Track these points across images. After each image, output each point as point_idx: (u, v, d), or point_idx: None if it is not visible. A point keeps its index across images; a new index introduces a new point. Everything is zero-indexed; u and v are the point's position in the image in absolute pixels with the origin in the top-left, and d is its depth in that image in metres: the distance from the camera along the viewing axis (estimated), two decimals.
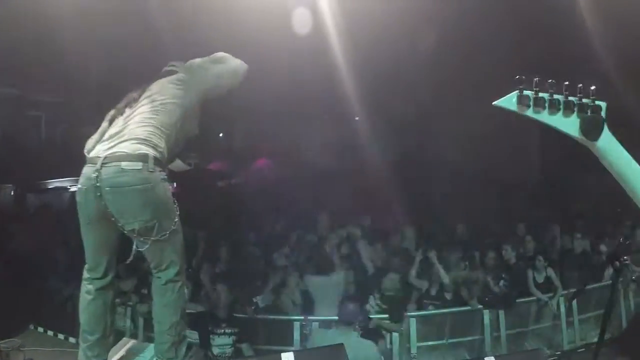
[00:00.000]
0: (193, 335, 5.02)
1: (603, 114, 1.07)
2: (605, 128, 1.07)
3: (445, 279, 5.99)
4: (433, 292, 6.07)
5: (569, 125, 1.05)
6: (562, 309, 6.20)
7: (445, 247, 6.62)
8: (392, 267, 6.14)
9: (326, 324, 5.23)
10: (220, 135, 15.12)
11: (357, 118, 12.68)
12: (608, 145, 1.08)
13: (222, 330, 5.26)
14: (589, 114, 1.06)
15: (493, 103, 1.08)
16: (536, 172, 11.35)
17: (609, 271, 6.23)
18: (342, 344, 3.84)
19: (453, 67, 8.14)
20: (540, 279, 6.23)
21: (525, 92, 1.04)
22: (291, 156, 13.92)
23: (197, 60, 2.98)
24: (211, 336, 5.23)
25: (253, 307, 5.59)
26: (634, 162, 1.15)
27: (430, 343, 5.81)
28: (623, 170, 1.12)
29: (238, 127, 14.89)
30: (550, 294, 6.16)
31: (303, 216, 8.45)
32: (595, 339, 6.05)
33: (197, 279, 5.96)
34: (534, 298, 6.18)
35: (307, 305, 5.84)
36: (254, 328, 5.60)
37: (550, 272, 6.17)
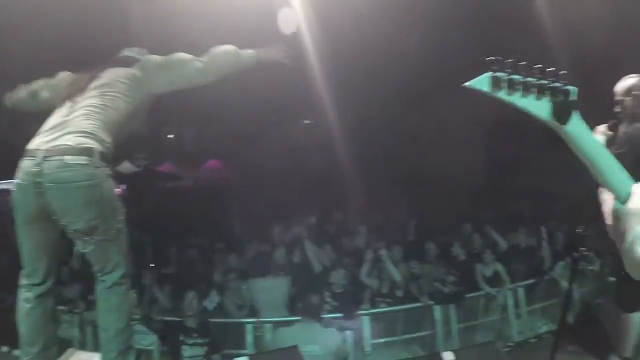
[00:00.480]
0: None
1: (574, 97, 1.03)
2: (576, 112, 1.03)
3: (396, 276, 6.05)
4: (384, 289, 6.10)
5: (541, 108, 1.01)
6: (511, 301, 6.35)
7: (395, 245, 6.64)
8: (343, 266, 6.12)
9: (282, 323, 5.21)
10: (170, 136, 14.86)
11: (307, 121, 12.67)
12: (578, 129, 1.04)
13: (194, 341, 5.00)
14: (560, 98, 1.02)
15: (464, 84, 1.02)
16: (483, 172, 11.69)
17: (557, 265, 6.64)
18: (296, 345, 3.89)
19: (401, 70, 8.26)
20: (489, 273, 6.37)
21: (498, 74, 0.98)
22: (241, 158, 13.87)
23: (155, 59, 2.77)
24: (182, 347, 4.93)
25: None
26: (601, 146, 1.12)
27: (383, 340, 5.84)
28: (591, 154, 1.09)
29: (188, 128, 14.69)
30: (499, 288, 6.29)
31: (252, 218, 8.36)
32: (544, 329, 6.33)
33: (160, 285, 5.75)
34: (483, 292, 6.29)
35: (254, 307, 5.76)
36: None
37: (499, 266, 6.33)
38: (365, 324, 5.71)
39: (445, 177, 9.80)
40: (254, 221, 8.05)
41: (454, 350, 3.91)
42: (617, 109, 3.57)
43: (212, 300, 5.56)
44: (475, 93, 1.04)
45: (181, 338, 4.99)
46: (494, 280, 6.37)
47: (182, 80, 2.74)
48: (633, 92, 3.46)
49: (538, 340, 5.67)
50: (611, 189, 1.13)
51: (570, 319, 6.06)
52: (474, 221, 7.59)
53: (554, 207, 8.57)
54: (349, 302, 5.79)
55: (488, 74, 0.99)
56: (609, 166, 1.11)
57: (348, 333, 5.44)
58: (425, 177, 10.17)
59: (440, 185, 9.64)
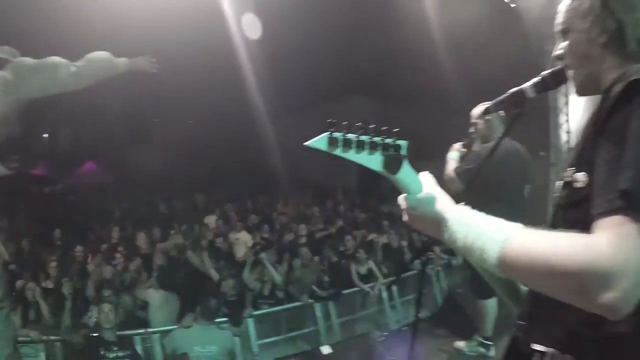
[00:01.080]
0: None
1: (404, 151, 1.20)
2: (405, 163, 1.20)
3: (277, 278, 6.25)
4: (266, 292, 6.27)
5: (373, 161, 1.16)
6: (385, 295, 6.81)
7: (275, 248, 6.89)
8: (227, 272, 6.19)
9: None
10: (45, 136, 13.69)
11: (191, 121, 12.34)
12: (406, 176, 1.20)
13: (115, 354, 4.75)
14: (391, 151, 1.18)
15: (304, 144, 1.16)
16: (353, 176, 12.21)
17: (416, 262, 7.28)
18: (186, 353, 3.96)
19: (281, 72, 8.42)
20: (363, 271, 6.80)
21: (335, 134, 1.13)
22: (121, 159, 13.22)
23: (28, 62, 2.62)
24: None
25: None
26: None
27: (269, 340, 5.96)
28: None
29: (64, 127, 13.63)
30: (372, 284, 6.71)
31: (134, 224, 8.10)
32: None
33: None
34: (358, 288, 6.69)
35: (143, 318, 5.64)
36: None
37: (371, 264, 6.78)
38: (250, 326, 5.81)
39: (318, 182, 10.12)
40: (136, 228, 7.76)
41: (331, 344, 4.19)
42: (471, 130, 4.06)
43: (91, 316, 5.21)
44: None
45: (102, 352, 4.74)
46: (368, 277, 6.77)
47: (55, 84, 2.65)
48: (486, 117, 3.95)
49: (410, 327, 6.07)
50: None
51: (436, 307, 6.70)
52: (347, 223, 8.07)
53: None
54: (235, 306, 5.85)
55: (326, 135, 1.14)
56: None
57: (236, 336, 5.56)
58: (297, 181, 10.40)
59: (313, 189, 9.96)
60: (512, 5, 6.92)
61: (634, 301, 0.88)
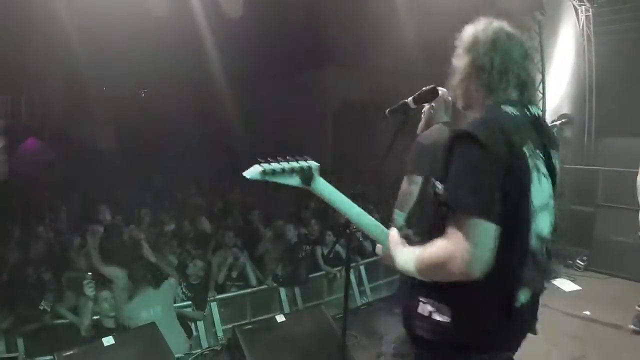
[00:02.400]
0: None
1: (315, 171, 2.00)
2: (317, 178, 1.91)
3: (241, 262, 6.79)
4: (234, 275, 6.81)
5: (293, 181, 1.92)
6: (353, 278, 7.36)
7: (234, 230, 7.38)
8: (194, 255, 6.59)
9: None
10: None
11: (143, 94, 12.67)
12: (321, 187, 1.90)
13: None
14: (305, 172, 1.98)
15: (242, 173, 1.96)
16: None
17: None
18: (153, 322, 4.64)
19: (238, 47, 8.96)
20: (330, 254, 7.33)
21: (264, 165, 1.92)
22: (67, 134, 13.36)
23: None
24: None
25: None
26: (341, 195, 1.97)
27: (234, 324, 6.11)
28: (335, 202, 1.98)
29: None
30: (340, 268, 7.30)
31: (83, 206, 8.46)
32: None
33: None
34: (324, 272, 7.28)
35: None
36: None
37: (338, 247, 7.24)
38: (215, 310, 6.31)
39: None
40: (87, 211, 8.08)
41: (285, 314, 5.02)
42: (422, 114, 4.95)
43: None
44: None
45: None
46: (335, 260, 7.36)
47: None
48: (432, 104, 4.83)
49: (368, 305, 6.75)
50: (371, 235, 2.08)
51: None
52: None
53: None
54: (199, 289, 6.29)
55: (257, 168, 1.92)
56: (358, 214, 2.02)
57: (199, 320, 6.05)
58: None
59: None
60: None
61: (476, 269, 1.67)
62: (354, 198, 2.05)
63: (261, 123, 11.27)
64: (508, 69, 1.96)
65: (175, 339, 5.06)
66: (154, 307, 5.34)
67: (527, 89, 2.01)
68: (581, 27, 10.36)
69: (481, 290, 1.77)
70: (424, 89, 3.02)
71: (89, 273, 5.39)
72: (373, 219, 2.10)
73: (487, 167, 1.73)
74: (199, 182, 10.53)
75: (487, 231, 1.69)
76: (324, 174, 1.96)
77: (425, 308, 1.95)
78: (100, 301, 5.17)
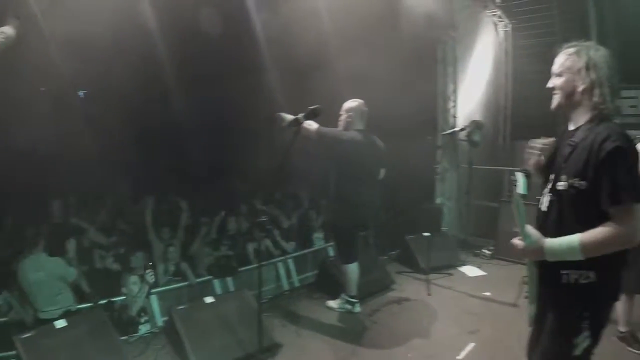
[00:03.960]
0: None
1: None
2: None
3: (175, 256, 7.21)
4: (171, 268, 7.22)
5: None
6: (282, 271, 8.05)
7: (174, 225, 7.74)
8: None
9: None
10: None
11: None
12: None
13: None
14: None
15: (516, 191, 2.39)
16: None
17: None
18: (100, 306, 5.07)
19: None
20: (261, 248, 7.61)
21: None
22: None
23: None
24: None
25: None
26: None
27: (183, 306, 6.73)
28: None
29: None
30: (268, 261, 7.87)
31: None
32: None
33: None
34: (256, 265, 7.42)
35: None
36: None
37: (268, 242, 7.93)
38: (154, 303, 6.60)
39: (220, 161, 11.09)
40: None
41: (214, 296, 5.64)
42: (340, 120, 5.69)
43: None
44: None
45: None
46: (266, 254, 7.94)
47: None
48: (349, 113, 5.74)
49: (290, 292, 7.16)
50: (521, 232, 2.62)
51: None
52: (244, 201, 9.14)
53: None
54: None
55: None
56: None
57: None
58: (195, 160, 11.18)
59: (214, 169, 10.99)
60: None
61: None
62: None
63: (191, 123, 11.50)
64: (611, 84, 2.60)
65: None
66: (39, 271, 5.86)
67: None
68: (500, 41, 11.39)
69: (622, 253, 2.40)
70: (310, 107, 3.79)
71: None
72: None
73: (636, 165, 2.38)
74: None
75: None
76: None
77: (570, 277, 2.52)
78: None
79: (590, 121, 2.55)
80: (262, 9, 7.72)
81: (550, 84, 2.67)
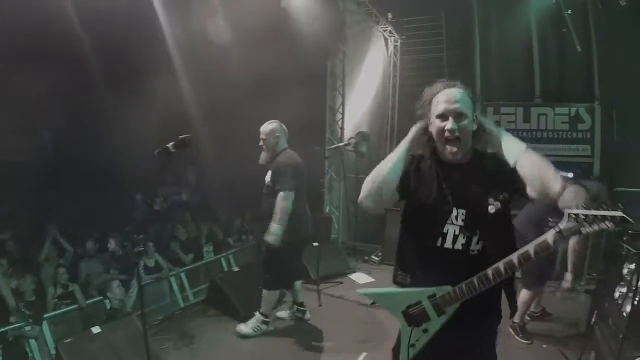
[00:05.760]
0: None
1: None
2: None
3: (64, 277, 7.03)
4: (59, 292, 7.01)
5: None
6: (175, 285, 8.05)
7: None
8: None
9: None
10: None
11: None
12: None
13: None
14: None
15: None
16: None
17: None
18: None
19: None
20: (151, 263, 7.89)
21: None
22: None
23: None
24: None
25: None
26: None
27: (69, 340, 6.14)
28: None
29: None
30: (157, 274, 7.91)
31: None
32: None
33: None
34: (151, 280, 7.74)
35: None
36: None
37: (158, 257, 7.89)
38: (45, 328, 6.32)
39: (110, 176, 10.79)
40: None
41: (99, 325, 5.55)
42: (260, 143, 5.78)
43: None
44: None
45: None
46: (156, 269, 7.93)
47: None
48: (275, 134, 5.79)
49: (183, 310, 7.13)
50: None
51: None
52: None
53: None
54: (35, 307, 6.36)
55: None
56: None
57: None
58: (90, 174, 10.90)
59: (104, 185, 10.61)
60: (282, 6, 8.31)
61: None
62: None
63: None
64: None
65: None
66: None
67: None
68: (389, 55, 11.88)
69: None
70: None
71: None
72: None
73: None
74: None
75: None
76: None
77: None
78: None
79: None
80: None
81: (452, 126, 2.57)
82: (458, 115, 2.54)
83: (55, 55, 7.80)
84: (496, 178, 2.57)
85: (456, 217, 2.59)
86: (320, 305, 6.93)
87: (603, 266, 7.53)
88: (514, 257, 2.39)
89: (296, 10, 8.54)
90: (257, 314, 6.03)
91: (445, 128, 2.55)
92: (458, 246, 2.60)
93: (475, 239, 2.58)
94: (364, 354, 5.40)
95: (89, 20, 7.89)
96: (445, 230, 2.60)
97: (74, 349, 4.89)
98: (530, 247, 2.36)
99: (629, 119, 9.75)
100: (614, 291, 6.04)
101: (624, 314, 4.84)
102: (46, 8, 6.80)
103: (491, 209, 2.54)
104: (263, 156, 5.90)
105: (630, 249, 6.28)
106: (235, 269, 7.77)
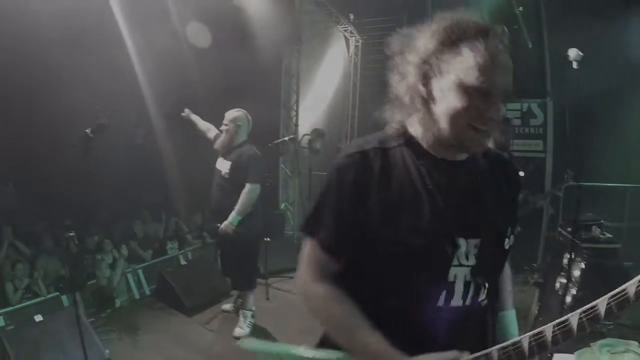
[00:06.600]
0: None
1: None
2: None
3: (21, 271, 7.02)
4: (22, 286, 7.00)
5: None
6: (132, 283, 7.95)
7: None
8: None
9: None
10: None
11: None
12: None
13: None
14: None
15: None
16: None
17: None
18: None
19: None
20: (110, 260, 7.74)
21: None
22: None
23: None
24: None
25: None
26: None
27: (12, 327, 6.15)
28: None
29: None
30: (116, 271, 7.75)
31: None
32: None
33: None
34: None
35: None
36: None
37: (116, 254, 7.82)
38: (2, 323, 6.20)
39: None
40: None
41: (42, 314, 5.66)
42: (221, 128, 5.88)
43: None
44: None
45: None
46: (115, 265, 7.80)
47: None
48: (237, 123, 5.82)
49: (130, 302, 7.34)
50: None
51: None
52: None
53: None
54: None
55: None
56: None
57: None
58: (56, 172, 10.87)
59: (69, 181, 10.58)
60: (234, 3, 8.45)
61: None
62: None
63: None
64: None
65: None
66: None
67: None
68: (350, 55, 12.11)
69: None
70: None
71: None
72: None
73: None
74: None
75: None
76: None
77: None
78: None
79: None
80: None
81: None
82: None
83: None
84: (511, 189, 1.75)
85: (466, 254, 1.57)
86: (267, 298, 7.09)
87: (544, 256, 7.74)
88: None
89: (249, 8, 8.70)
90: (244, 312, 6.20)
91: (492, 111, 1.53)
92: (468, 301, 1.58)
93: (485, 286, 1.61)
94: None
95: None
96: (451, 278, 1.57)
97: (15, 336, 5.11)
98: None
99: (581, 115, 10.01)
100: (555, 282, 6.21)
101: (564, 305, 4.97)
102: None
103: (507, 243, 1.65)
104: (219, 141, 5.95)
105: (568, 235, 6.42)
106: (183, 262, 7.88)
